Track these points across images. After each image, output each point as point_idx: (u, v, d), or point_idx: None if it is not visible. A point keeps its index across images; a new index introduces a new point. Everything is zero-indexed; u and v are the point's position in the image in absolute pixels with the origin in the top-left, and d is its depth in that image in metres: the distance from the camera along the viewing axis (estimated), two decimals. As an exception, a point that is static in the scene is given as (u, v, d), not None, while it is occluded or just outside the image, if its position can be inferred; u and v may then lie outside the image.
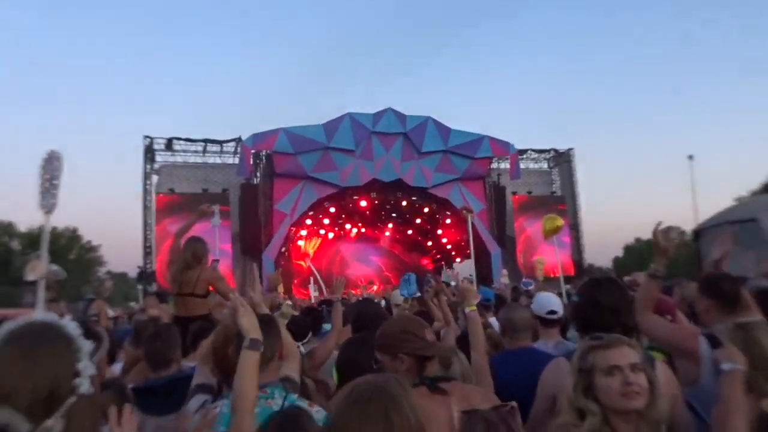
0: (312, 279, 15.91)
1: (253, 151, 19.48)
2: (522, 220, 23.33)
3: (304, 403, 1.99)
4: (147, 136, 20.96)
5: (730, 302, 2.48)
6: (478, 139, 21.40)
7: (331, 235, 24.53)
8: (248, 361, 1.83)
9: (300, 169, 19.34)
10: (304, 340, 3.87)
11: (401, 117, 20.52)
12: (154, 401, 2.72)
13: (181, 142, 21.51)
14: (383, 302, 7.14)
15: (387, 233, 25.72)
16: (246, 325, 1.91)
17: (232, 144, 21.39)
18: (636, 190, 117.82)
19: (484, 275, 17.05)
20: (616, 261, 48.74)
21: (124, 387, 2.52)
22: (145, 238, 20.17)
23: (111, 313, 8.65)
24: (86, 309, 6.30)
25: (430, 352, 2.02)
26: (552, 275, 16.13)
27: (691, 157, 22.08)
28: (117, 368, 3.75)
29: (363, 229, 25.07)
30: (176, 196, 20.30)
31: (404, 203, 22.45)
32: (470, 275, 10.74)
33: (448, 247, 23.95)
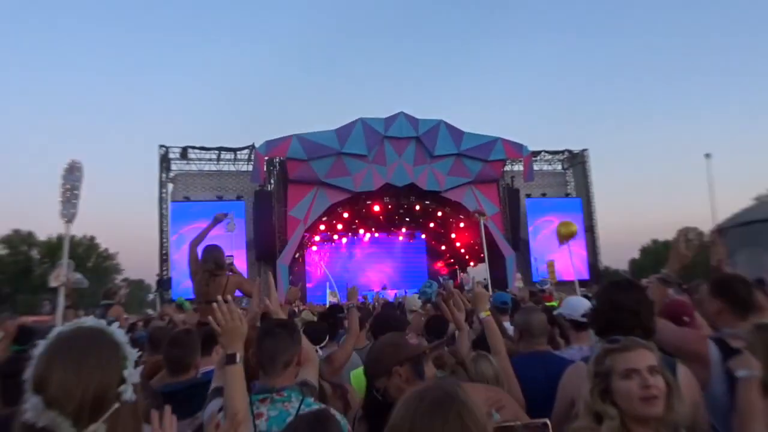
0: (328, 284, 15.97)
1: (266, 157, 19.58)
2: (536, 223, 23.18)
3: (320, 407, 2.00)
4: (162, 146, 21.19)
5: (744, 305, 2.43)
6: (491, 142, 21.31)
7: (344, 240, 24.58)
8: (231, 376, 1.86)
9: (313, 175, 19.41)
10: (322, 344, 3.90)
11: (413, 121, 20.52)
12: (174, 406, 2.74)
13: (196, 150, 21.71)
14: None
15: (400, 238, 25.71)
16: (223, 341, 1.95)
17: (246, 151, 21.55)
18: (652, 191, 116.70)
19: (498, 279, 16.98)
20: (633, 263, 48.15)
21: (156, 392, 2.56)
22: (161, 246, 20.38)
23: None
24: (103, 315, 6.36)
25: (418, 351, 2.04)
26: (564, 279, 16.00)
27: (708, 156, 21.72)
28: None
29: (376, 234, 25.09)
30: (191, 203, 20.49)
31: (417, 207, 22.41)
32: (484, 279, 10.70)
33: (462, 251, 23.86)
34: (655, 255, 46.24)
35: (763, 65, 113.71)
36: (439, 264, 25.90)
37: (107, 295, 6.94)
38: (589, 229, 24.42)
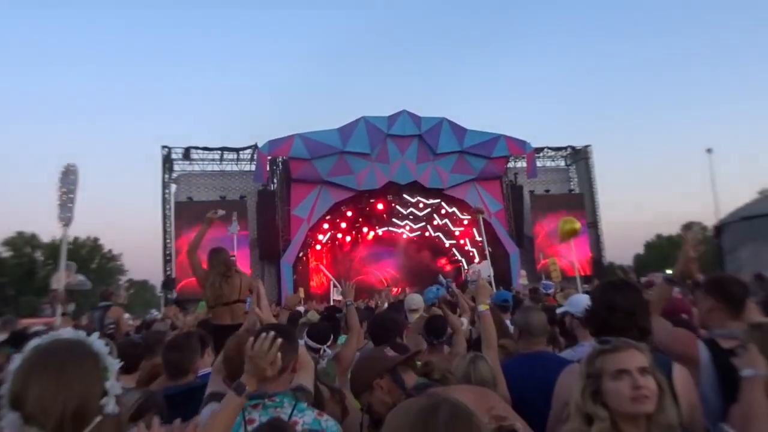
0: (332, 283, 15.97)
1: (269, 157, 19.63)
2: (540, 219, 23.13)
3: (313, 412, 2.00)
4: (165, 146, 21.27)
5: (737, 306, 2.41)
6: (494, 139, 21.27)
7: (348, 238, 24.59)
8: (229, 405, 1.79)
9: (316, 174, 19.43)
10: (327, 343, 3.89)
11: (416, 119, 20.51)
12: (172, 410, 2.75)
13: (199, 150, 21.78)
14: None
15: (404, 235, 25.68)
16: (248, 368, 1.84)
17: (249, 151, 21.60)
18: (656, 186, 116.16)
19: (503, 276, 16.92)
20: (637, 258, 47.93)
21: (154, 395, 2.55)
22: (165, 246, 20.45)
23: (130, 321, 8.71)
24: (103, 317, 6.34)
25: (395, 362, 2.06)
26: (568, 274, 15.94)
27: (710, 151, 21.59)
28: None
29: (380, 232, 25.08)
30: (194, 203, 20.52)
31: (421, 205, 22.40)
32: (488, 276, 10.67)
33: (467, 248, 23.82)
34: (659, 250, 46.04)
35: (767, 59, 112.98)
36: (443, 261, 25.84)
37: (104, 296, 6.92)
38: (593, 225, 24.38)
